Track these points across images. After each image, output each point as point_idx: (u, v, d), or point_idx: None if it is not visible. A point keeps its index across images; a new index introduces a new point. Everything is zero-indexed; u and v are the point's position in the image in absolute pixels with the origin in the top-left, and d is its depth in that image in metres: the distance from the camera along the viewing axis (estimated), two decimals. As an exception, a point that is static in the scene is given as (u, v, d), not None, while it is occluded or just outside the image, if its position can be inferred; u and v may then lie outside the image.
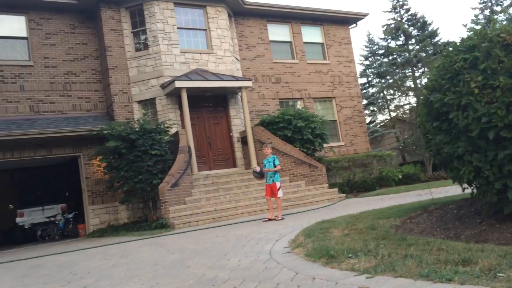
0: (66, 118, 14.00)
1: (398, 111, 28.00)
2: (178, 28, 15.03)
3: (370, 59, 31.28)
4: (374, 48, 31.19)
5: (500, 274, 3.03)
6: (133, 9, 15.00)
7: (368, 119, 29.66)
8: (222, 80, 14.41)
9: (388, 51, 29.48)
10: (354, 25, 20.85)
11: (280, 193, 9.78)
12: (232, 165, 15.25)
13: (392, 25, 29.14)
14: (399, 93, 28.33)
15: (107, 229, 13.05)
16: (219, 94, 15.29)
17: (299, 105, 18.43)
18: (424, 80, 24.13)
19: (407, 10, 29.32)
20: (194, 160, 13.57)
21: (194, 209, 11.78)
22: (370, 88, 31.04)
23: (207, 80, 14.14)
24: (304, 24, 19.26)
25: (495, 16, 27.98)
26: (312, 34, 19.55)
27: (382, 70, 29.42)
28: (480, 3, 31.41)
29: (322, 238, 5.56)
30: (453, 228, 5.40)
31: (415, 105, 24.11)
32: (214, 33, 15.61)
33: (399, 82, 27.41)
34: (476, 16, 31.06)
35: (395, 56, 29.34)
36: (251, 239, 6.92)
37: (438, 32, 28.70)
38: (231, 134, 15.47)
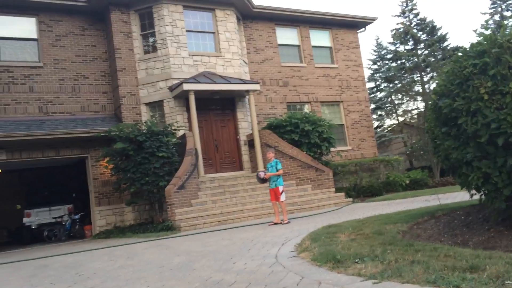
0: (75, 120, 14.09)
1: (406, 116, 27.89)
2: (186, 31, 15.10)
3: (378, 63, 31.22)
4: (383, 53, 31.14)
5: (508, 282, 3.01)
6: (142, 12, 15.10)
7: (375, 124, 29.56)
8: (230, 83, 14.45)
9: (396, 55, 29.42)
10: (363, 29, 20.84)
11: (283, 197, 9.76)
12: (239, 168, 15.26)
13: (401, 30, 29.08)
14: (407, 98, 28.26)
15: (113, 231, 13.10)
16: (226, 97, 15.33)
17: (307, 108, 18.41)
18: (433, 85, 23.97)
19: (416, 15, 29.25)
20: (201, 163, 13.59)
21: (200, 211, 11.78)
22: (378, 93, 30.97)
23: (215, 83, 14.19)
24: (313, 28, 19.26)
25: (505, 22, 27.79)
26: (320, 38, 19.55)
27: (390, 74, 29.34)
28: (490, 8, 31.31)
29: (329, 243, 5.54)
30: (461, 234, 5.36)
31: (423, 110, 23.99)
32: (223, 36, 15.66)
33: (407, 87, 27.33)
34: (486, 21, 30.94)
35: (403, 60, 29.27)
36: (257, 242, 6.91)
37: (447, 37, 28.64)
38: (238, 137, 15.48)
